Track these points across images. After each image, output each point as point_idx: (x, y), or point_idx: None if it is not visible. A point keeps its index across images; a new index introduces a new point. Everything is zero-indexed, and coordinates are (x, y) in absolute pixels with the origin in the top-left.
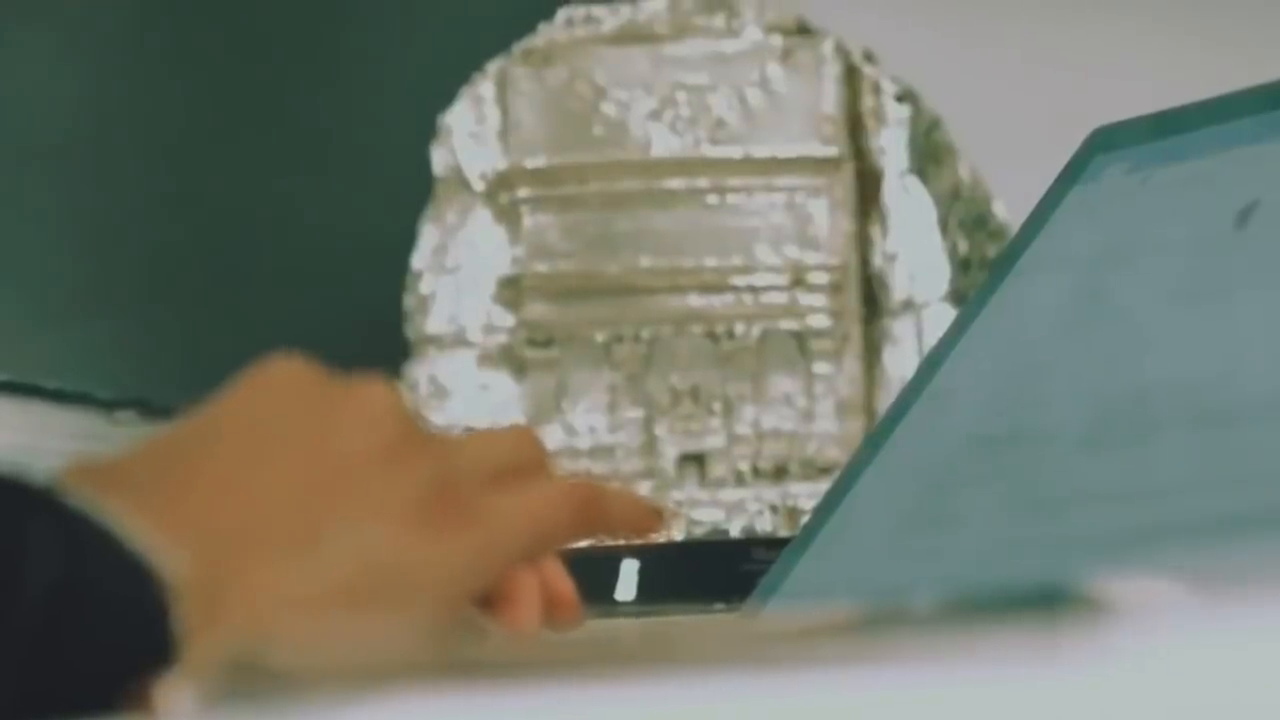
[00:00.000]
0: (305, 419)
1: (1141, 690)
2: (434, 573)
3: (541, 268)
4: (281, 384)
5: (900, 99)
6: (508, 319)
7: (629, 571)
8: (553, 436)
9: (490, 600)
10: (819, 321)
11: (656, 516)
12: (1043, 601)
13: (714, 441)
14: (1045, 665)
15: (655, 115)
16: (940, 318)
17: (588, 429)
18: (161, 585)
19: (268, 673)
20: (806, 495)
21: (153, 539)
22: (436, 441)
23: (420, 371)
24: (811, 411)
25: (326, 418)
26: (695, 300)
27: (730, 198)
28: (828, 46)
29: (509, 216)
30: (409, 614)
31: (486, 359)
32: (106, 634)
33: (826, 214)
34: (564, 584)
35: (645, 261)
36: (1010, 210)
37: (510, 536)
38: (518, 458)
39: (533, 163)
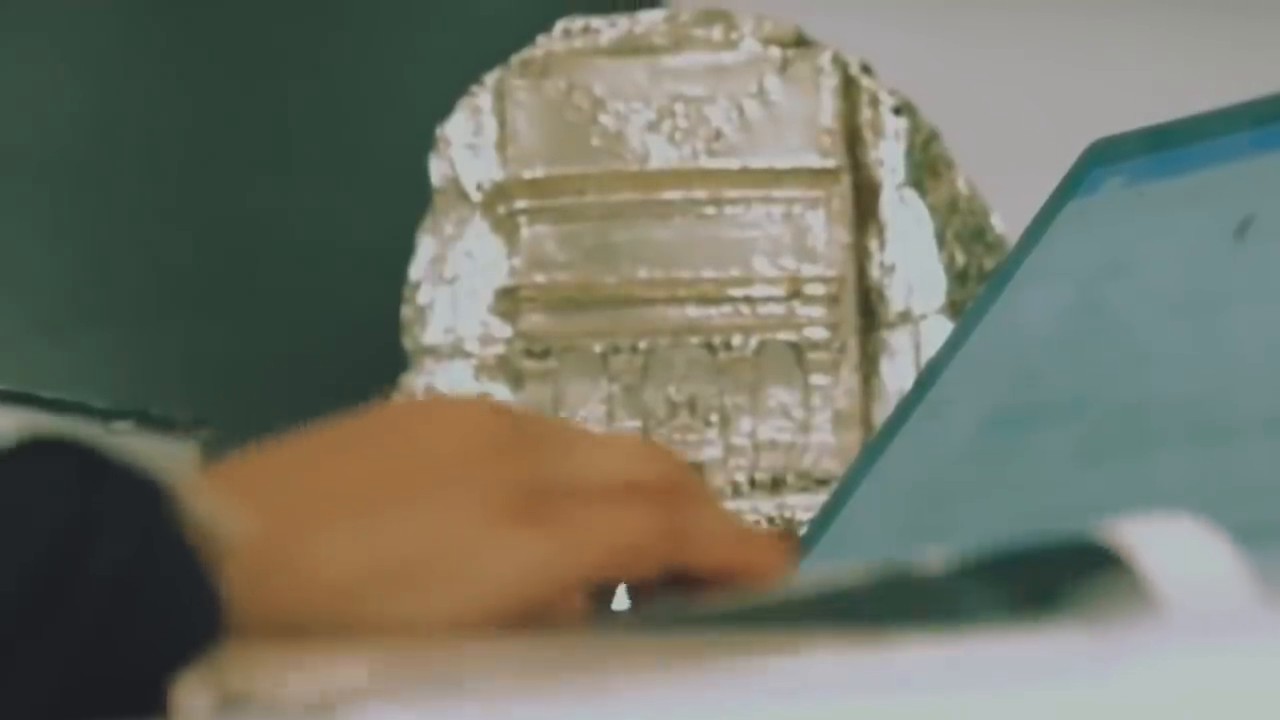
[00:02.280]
0: (402, 423)
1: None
2: (494, 565)
3: (539, 279)
4: (395, 404)
5: (898, 111)
6: (505, 330)
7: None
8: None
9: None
10: (816, 333)
11: (765, 561)
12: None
13: (711, 453)
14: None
15: (653, 127)
16: (938, 330)
17: None
18: (219, 572)
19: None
20: (803, 507)
21: (218, 501)
22: (539, 450)
23: (418, 382)
24: (809, 423)
25: (422, 422)
26: (692, 311)
27: (728, 209)
28: (825, 58)
29: (506, 227)
30: (460, 601)
31: (484, 370)
32: (164, 625)
33: (824, 226)
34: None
35: (643, 273)
36: (1008, 223)
37: (582, 552)
38: (631, 475)
39: (530, 174)
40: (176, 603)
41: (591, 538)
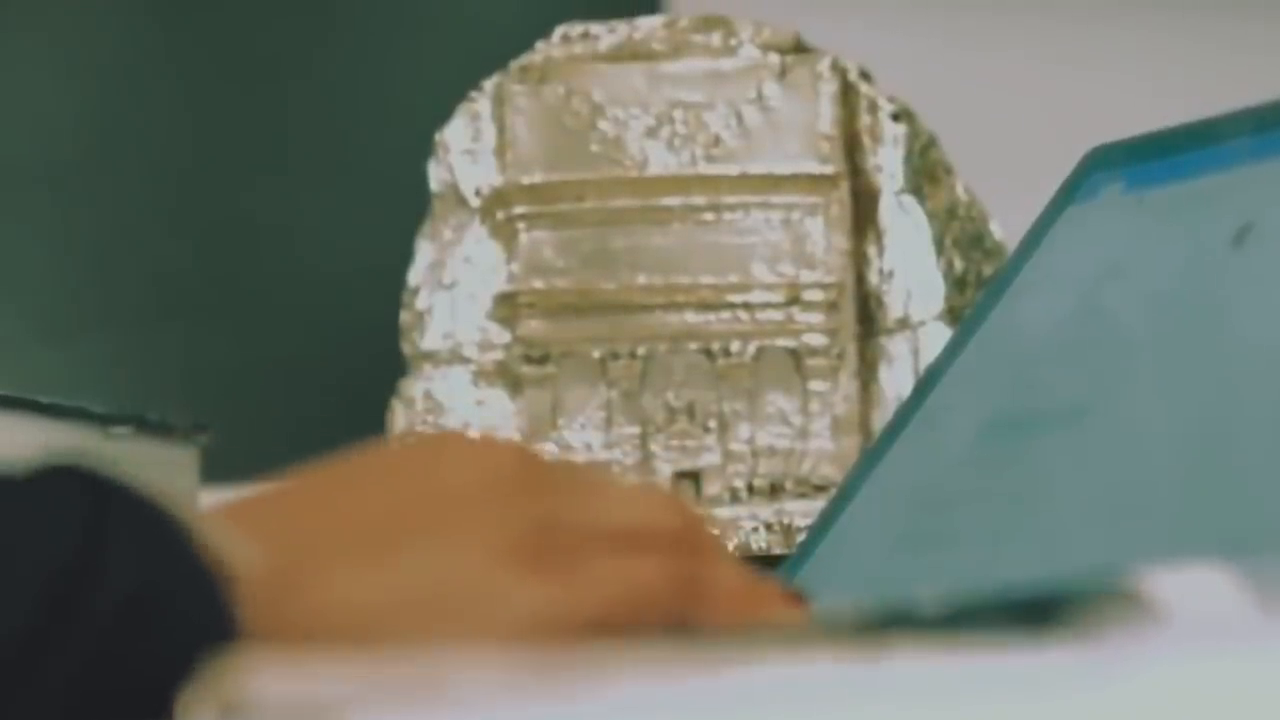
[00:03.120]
0: (418, 459)
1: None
2: (506, 608)
3: (537, 284)
4: (413, 440)
5: (896, 117)
6: (503, 335)
7: None
8: (547, 453)
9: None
10: (815, 339)
11: (776, 617)
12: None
13: (709, 459)
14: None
15: (652, 132)
16: (936, 336)
17: (583, 446)
18: (229, 591)
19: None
20: (801, 513)
21: (229, 533)
22: (556, 492)
23: (416, 388)
24: (807, 429)
25: (438, 458)
26: (691, 317)
27: (726, 215)
28: (824, 64)
29: (505, 233)
30: (472, 641)
31: (482, 375)
32: (173, 641)
33: (823, 232)
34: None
35: (641, 278)
36: (1006, 229)
37: (588, 600)
38: (647, 524)
39: (529, 179)
40: (184, 618)
41: (600, 586)
